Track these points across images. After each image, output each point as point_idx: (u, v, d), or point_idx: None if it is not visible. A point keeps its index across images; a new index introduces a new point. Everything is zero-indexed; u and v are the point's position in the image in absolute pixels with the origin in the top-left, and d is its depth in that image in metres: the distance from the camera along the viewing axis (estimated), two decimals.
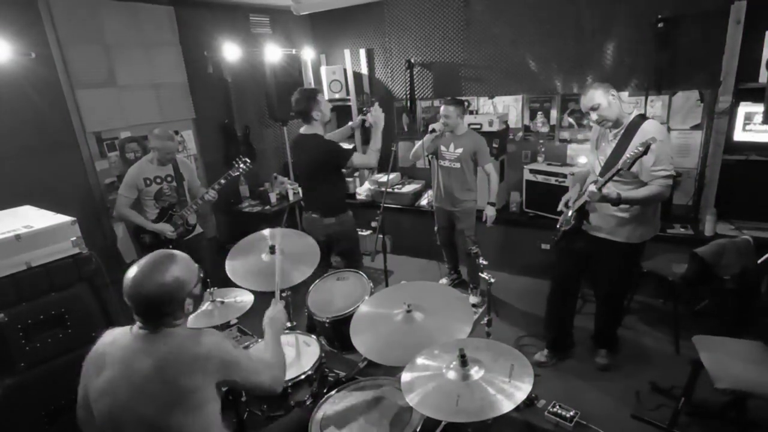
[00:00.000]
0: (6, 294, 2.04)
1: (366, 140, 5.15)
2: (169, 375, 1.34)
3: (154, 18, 3.80)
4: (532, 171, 4.09)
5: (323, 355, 2.22)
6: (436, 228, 3.99)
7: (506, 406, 1.47)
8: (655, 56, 3.55)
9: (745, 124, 3.31)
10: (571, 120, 4.12)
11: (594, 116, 2.57)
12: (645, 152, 2.21)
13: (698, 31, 3.41)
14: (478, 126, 4.12)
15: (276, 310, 1.85)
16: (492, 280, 2.23)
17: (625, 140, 2.50)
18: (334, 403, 1.92)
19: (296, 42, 4.98)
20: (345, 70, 4.91)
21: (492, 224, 3.72)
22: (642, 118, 2.52)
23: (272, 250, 2.48)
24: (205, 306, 2.36)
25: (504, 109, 4.41)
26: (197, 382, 1.36)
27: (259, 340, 2.35)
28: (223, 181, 3.28)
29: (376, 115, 3.02)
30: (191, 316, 2.18)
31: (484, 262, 2.31)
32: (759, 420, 2.39)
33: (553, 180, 3.93)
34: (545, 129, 4.26)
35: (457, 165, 3.60)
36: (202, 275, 1.52)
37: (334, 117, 5.36)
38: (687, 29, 3.44)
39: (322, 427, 1.78)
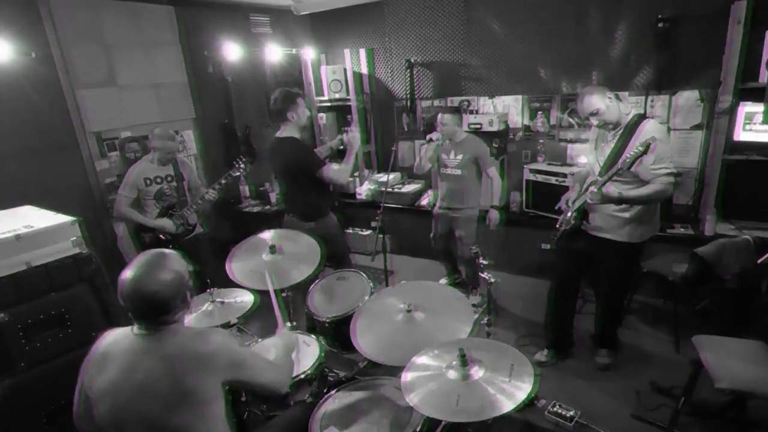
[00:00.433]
0: (6, 294, 2.04)
1: (366, 140, 5.17)
2: (176, 374, 1.33)
3: (154, 18, 3.80)
4: (532, 171, 4.09)
5: (323, 355, 2.22)
6: (432, 234, 3.95)
7: (506, 406, 1.47)
8: (656, 56, 3.55)
9: (745, 124, 3.31)
10: (571, 120, 4.12)
11: (594, 121, 2.57)
12: (645, 152, 2.21)
13: (698, 31, 3.41)
14: (479, 126, 4.12)
15: (288, 335, 1.88)
16: (492, 280, 2.23)
17: (624, 140, 2.50)
18: (335, 403, 1.92)
19: (296, 42, 4.98)
20: (345, 70, 4.91)
21: (495, 227, 3.65)
22: (641, 117, 2.52)
23: (273, 249, 2.48)
24: (205, 306, 2.37)
25: (504, 109, 4.40)
26: (204, 381, 1.36)
27: (260, 340, 2.35)
28: (223, 182, 3.28)
29: (352, 137, 3.06)
30: (191, 316, 2.19)
31: (485, 262, 2.31)
32: (759, 420, 2.39)
33: (553, 180, 3.93)
34: (545, 129, 4.26)
35: (459, 172, 3.58)
36: (190, 269, 1.51)
37: (334, 117, 5.38)
38: (687, 29, 3.43)
39: (322, 427, 1.78)
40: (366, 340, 2.01)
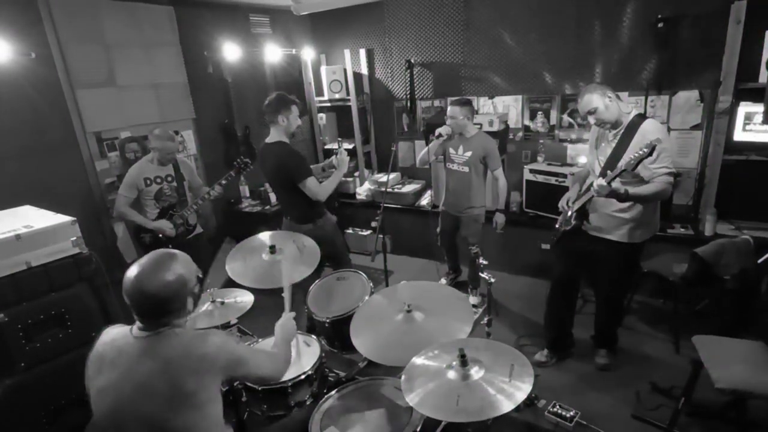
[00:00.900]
0: (6, 294, 2.04)
1: (366, 140, 5.17)
2: (175, 375, 1.33)
3: (154, 18, 3.80)
4: (532, 171, 4.09)
5: (323, 355, 2.22)
6: (438, 230, 3.95)
7: (506, 406, 1.47)
8: (655, 56, 3.56)
9: (745, 124, 3.31)
10: (570, 120, 4.12)
11: (592, 120, 2.57)
12: (650, 153, 2.21)
13: (698, 31, 3.41)
14: (479, 126, 4.11)
15: (287, 319, 1.87)
16: (492, 280, 2.23)
17: (625, 140, 2.50)
18: (335, 403, 1.92)
19: (296, 42, 4.99)
20: (345, 70, 4.91)
21: (501, 230, 3.62)
22: (641, 117, 2.52)
23: (272, 250, 2.48)
24: (206, 306, 2.36)
25: (504, 109, 4.40)
26: (203, 383, 1.36)
27: (260, 340, 2.35)
28: (224, 182, 3.28)
29: (340, 159, 3.07)
30: (191, 316, 2.19)
31: (485, 262, 2.31)
32: (759, 420, 2.39)
33: (553, 180, 3.93)
34: (545, 129, 4.26)
35: (466, 169, 3.53)
36: (200, 275, 1.52)
37: (334, 117, 5.38)
38: (687, 29, 3.44)
39: (322, 427, 1.78)
40: (366, 340, 2.01)
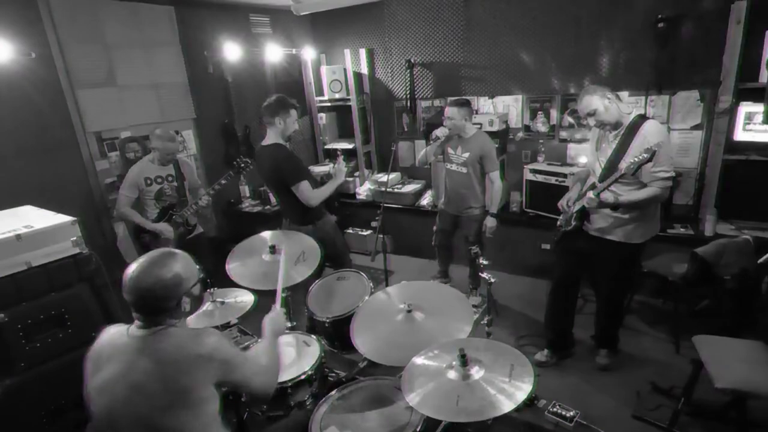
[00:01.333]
0: (6, 294, 2.04)
1: (366, 140, 5.17)
2: (169, 374, 1.34)
3: (154, 18, 3.80)
4: (532, 171, 4.08)
5: (323, 355, 2.21)
6: (435, 228, 3.94)
7: (506, 406, 1.47)
8: (656, 56, 3.55)
9: (745, 124, 3.31)
10: (571, 120, 4.12)
11: (592, 121, 2.57)
12: (650, 159, 2.21)
13: (698, 31, 3.41)
14: (478, 126, 4.11)
15: (276, 313, 1.85)
16: (492, 280, 2.23)
17: (626, 141, 2.50)
18: (335, 403, 1.92)
19: (296, 42, 4.98)
20: (345, 70, 4.91)
21: (491, 235, 3.58)
22: (642, 118, 2.52)
23: (272, 250, 2.48)
24: (206, 306, 2.37)
25: (504, 108, 4.40)
26: (198, 382, 1.36)
27: (259, 340, 2.35)
28: (223, 182, 3.28)
29: (338, 168, 3.08)
30: (191, 317, 2.19)
31: (485, 262, 2.31)
32: (759, 420, 2.39)
33: (553, 180, 3.93)
34: (545, 129, 4.26)
35: (464, 170, 3.51)
36: (202, 276, 1.52)
37: (334, 117, 5.38)
38: (687, 29, 3.43)
39: (322, 427, 1.78)
40: (366, 340, 2.01)
